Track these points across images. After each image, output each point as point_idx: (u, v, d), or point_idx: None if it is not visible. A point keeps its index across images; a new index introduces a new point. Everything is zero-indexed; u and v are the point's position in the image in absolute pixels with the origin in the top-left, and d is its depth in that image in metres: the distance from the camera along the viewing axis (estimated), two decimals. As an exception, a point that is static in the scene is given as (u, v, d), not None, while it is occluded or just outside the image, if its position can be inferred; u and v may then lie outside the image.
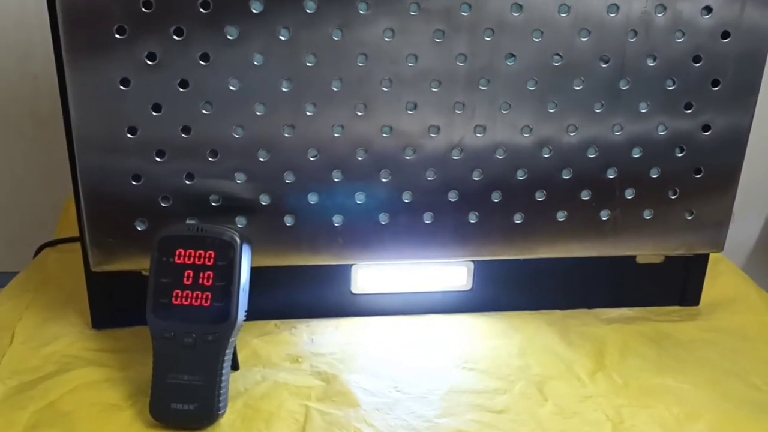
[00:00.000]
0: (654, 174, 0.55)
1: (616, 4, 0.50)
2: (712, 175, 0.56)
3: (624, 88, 0.52)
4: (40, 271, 0.68)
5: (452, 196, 0.54)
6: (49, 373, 0.52)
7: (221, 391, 0.47)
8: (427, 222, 0.55)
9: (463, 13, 0.49)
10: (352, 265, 0.58)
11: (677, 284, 0.64)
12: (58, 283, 0.65)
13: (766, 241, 1.07)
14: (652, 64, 0.52)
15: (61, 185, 0.87)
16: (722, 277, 0.70)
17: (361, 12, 0.48)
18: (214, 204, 0.52)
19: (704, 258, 0.63)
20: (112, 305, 0.57)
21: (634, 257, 0.61)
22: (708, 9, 0.51)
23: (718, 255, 0.72)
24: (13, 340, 0.56)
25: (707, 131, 0.54)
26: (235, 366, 0.52)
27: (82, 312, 0.60)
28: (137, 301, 0.54)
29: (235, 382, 0.51)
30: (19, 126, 0.86)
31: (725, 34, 0.52)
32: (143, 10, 0.46)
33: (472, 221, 0.55)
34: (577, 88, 0.52)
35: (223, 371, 0.47)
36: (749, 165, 1.04)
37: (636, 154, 0.54)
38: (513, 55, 0.50)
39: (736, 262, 1.06)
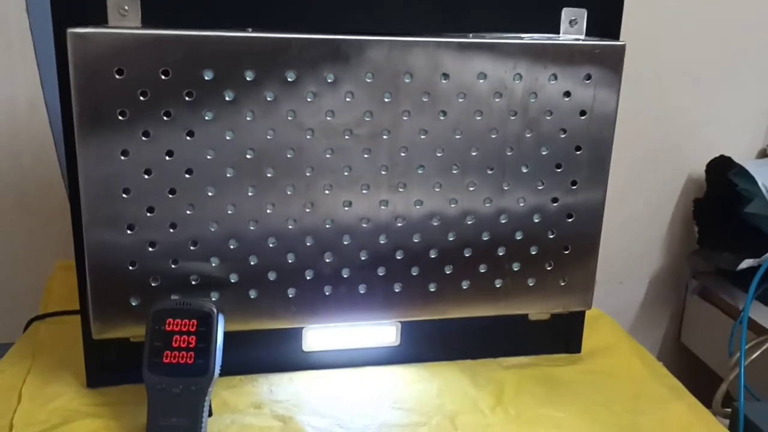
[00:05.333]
0: (533, 251, 0.72)
1: (496, 129, 0.67)
2: (576, 250, 0.73)
3: (506, 187, 0.69)
4: (34, 341, 0.78)
5: (380, 271, 0.69)
6: (55, 424, 0.63)
7: (202, 431, 0.60)
8: (362, 292, 0.69)
9: (384, 137, 0.65)
10: (302, 327, 0.71)
11: (562, 336, 0.80)
12: (51, 350, 0.75)
13: (649, 300, 1.27)
14: (525, 170, 0.69)
15: (41, 267, 0.99)
16: (602, 330, 0.86)
17: (308, 137, 0.64)
18: (193, 282, 0.65)
19: (581, 314, 0.79)
20: (104, 367, 0.69)
21: (527, 315, 0.77)
22: (564, 130, 0.69)
23: (600, 312, 0.89)
24: (21, 399, 0.66)
25: (570, 218, 0.71)
26: (209, 413, 0.65)
27: (76, 374, 0.70)
28: (125, 363, 0.66)
29: (210, 426, 0.63)
30: (7, 216, 0.98)
31: (578, 148, 0.70)
32: (143, 138, 0.61)
33: (396, 290, 0.70)
34: (471, 188, 0.68)
35: (203, 414, 0.60)
36: (633, 239, 1.24)
37: (518, 236, 0.71)
38: (422, 166, 0.67)
39: (626, 319, 1.25)
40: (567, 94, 0.68)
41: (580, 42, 0.68)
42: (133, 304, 0.64)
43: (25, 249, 1.01)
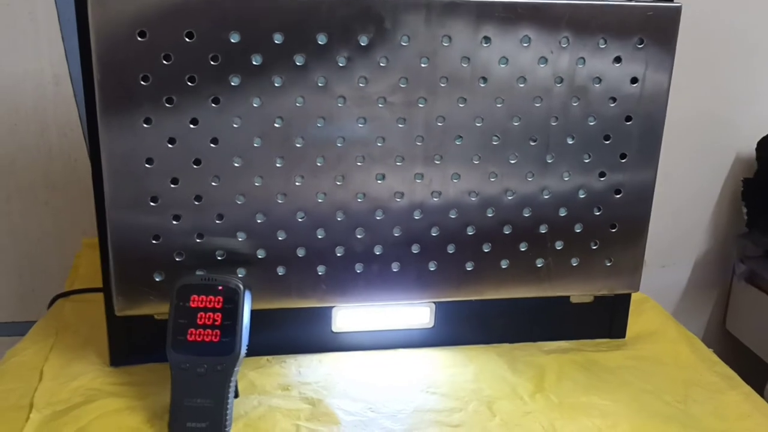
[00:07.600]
0: (578, 229, 0.67)
1: (540, 97, 0.63)
2: (624, 228, 0.68)
3: (550, 161, 0.65)
4: (57, 319, 0.76)
5: (415, 249, 0.66)
6: (77, 403, 0.61)
7: (228, 412, 0.57)
8: (395, 270, 0.66)
9: (420, 105, 0.61)
10: (333, 307, 0.68)
11: (606, 320, 0.75)
12: (75, 328, 0.74)
13: (693, 285, 1.21)
14: (570, 142, 0.65)
15: (68, 245, 0.97)
16: (647, 314, 0.81)
17: (339, 105, 0.60)
18: (219, 257, 0.62)
19: (627, 297, 0.75)
20: (128, 345, 0.67)
21: (568, 297, 0.73)
22: (614, 99, 0.64)
23: (644, 296, 0.85)
24: (42, 377, 0.65)
25: (618, 194, 0.67)
26: (235, 394, 0.62)
27: (100, 352, 0.68)
28: (149, 342, 0.64)
29: (236, 407, 0.61)
30: (34, 192, 0.96)
31: (628, 118, 0.65)
32: (166, 105, 0.58)
33: (431, 269, 0.66)
34: (512, 161, 0.64)
35: (229, 395, 0.57)
36: (678, 220, 1.18)
37: (562, 212, 0.67)
38: (460, 137, 0.63)
39: (669, 303, 1.20)
40: (617, 60, 0.63)
41: (632, 3, 0.63)
42: (157, 279, 0.62)
43: (53, 226, 0.99)
